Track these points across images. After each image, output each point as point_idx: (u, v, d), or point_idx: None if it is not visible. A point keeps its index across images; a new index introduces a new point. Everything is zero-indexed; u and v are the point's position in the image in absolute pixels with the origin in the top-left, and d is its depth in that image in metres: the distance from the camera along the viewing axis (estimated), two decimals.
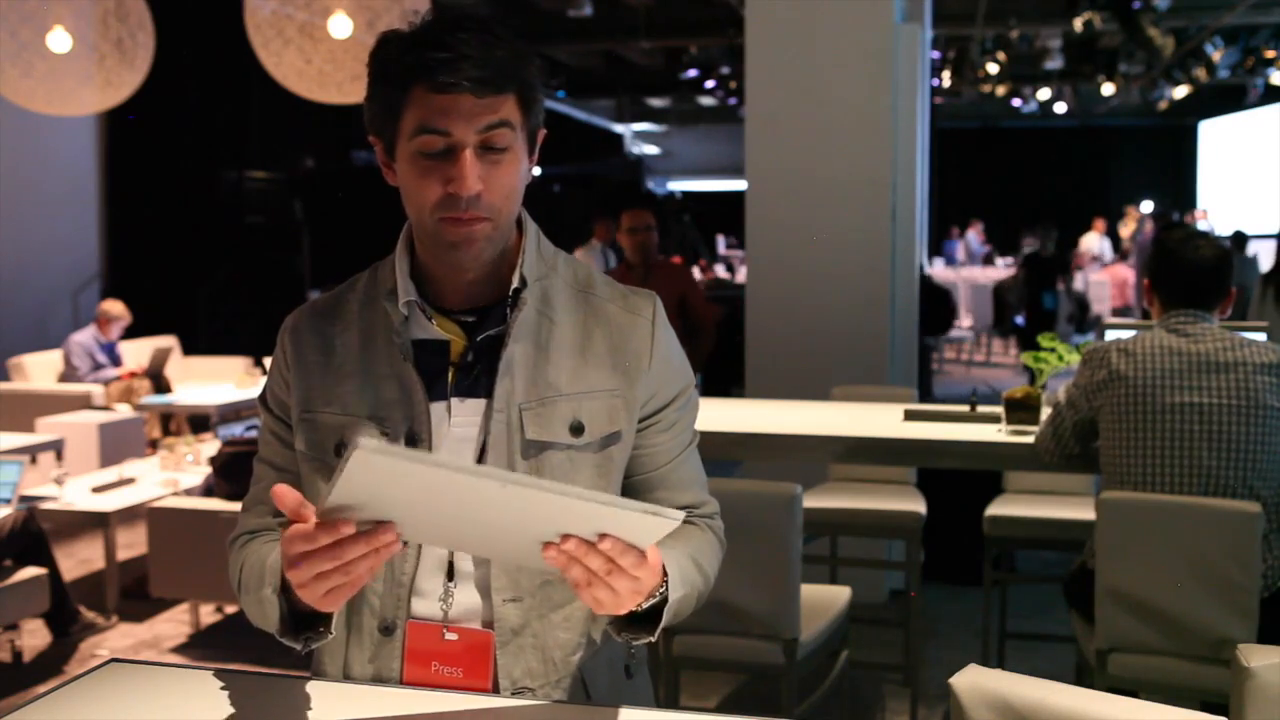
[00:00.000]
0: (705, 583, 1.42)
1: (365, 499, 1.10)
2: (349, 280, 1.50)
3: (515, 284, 1.39)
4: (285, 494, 1.17)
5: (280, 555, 1.26)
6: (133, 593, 4.91)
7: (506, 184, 1.34)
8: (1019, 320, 11.03)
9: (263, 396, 1.49)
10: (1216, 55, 13.25)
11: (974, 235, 18.50)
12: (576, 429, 1.39)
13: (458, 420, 1.38)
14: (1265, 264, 10.42)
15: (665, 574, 1.28)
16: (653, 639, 1.30)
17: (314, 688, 1.36)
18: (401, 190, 1.36)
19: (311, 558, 1.15)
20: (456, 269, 1.38)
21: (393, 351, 1.40)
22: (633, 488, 1.48)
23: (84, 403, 7.23)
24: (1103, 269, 14.05)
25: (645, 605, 1.26)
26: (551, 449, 1.38)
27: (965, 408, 3.57)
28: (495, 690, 1.37)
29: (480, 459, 1.37)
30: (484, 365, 1.39)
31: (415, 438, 1.37)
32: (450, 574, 1.38)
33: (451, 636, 1.37)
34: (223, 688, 1.35)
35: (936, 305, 8.52)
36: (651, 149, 23.22)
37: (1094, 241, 15.72)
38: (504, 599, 1.37)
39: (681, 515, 1.12)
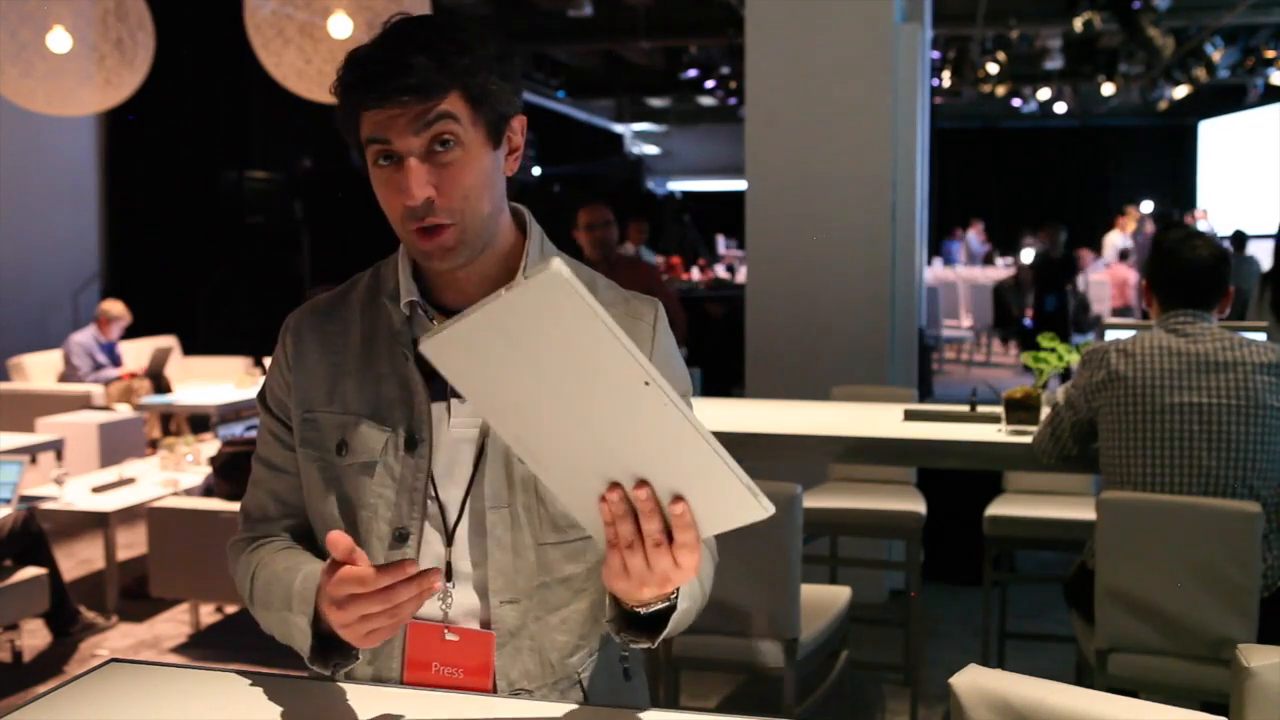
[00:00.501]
0: (704, 597, 1.42)
1: (488, 348, 1.01)
2: (350, 280, 1.50)
3: None
4: (339, 540, 1.19)
5: (308, 580, 1.28)
6: (133, 593, 4.91)
7: (462, 184, 1.31)
8: (1028, 323, 10.88)
9: (262, 396, 1.49)
10: (1216, 55, 13.25)
11: (974, 235, 18.50)
12: None
13: (457, 421, 1.38)
14: (1265, 264, 10.41)
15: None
16: (652, 645, 1.28)
17: (314, 687, 1.36)
18: None
19: (361, 600, 1.17)
20: (442, 274, 1.38)
21: (394, 351, 1.40)
22: None
23: (84, 403, 7.23)
24: (1104, 269, 14.04)
25: (652, 608, 1.23)
26: None
27: (965, 408, 3.57)
28: (494, 691, 1.37)
29: (478, 462, 1.37)
30: None
31: (416, 438, 1.37)
32: (449, 574, 1.38)
33: (452, 637, 1.37)
34: (223, 688, 1.35)
35: None
36: (651, 149, 23.22)
37: (1118, 239, 15.68)
38: (501, 600, 1.37)
39: (773, 509, 1.04)
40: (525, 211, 1.45)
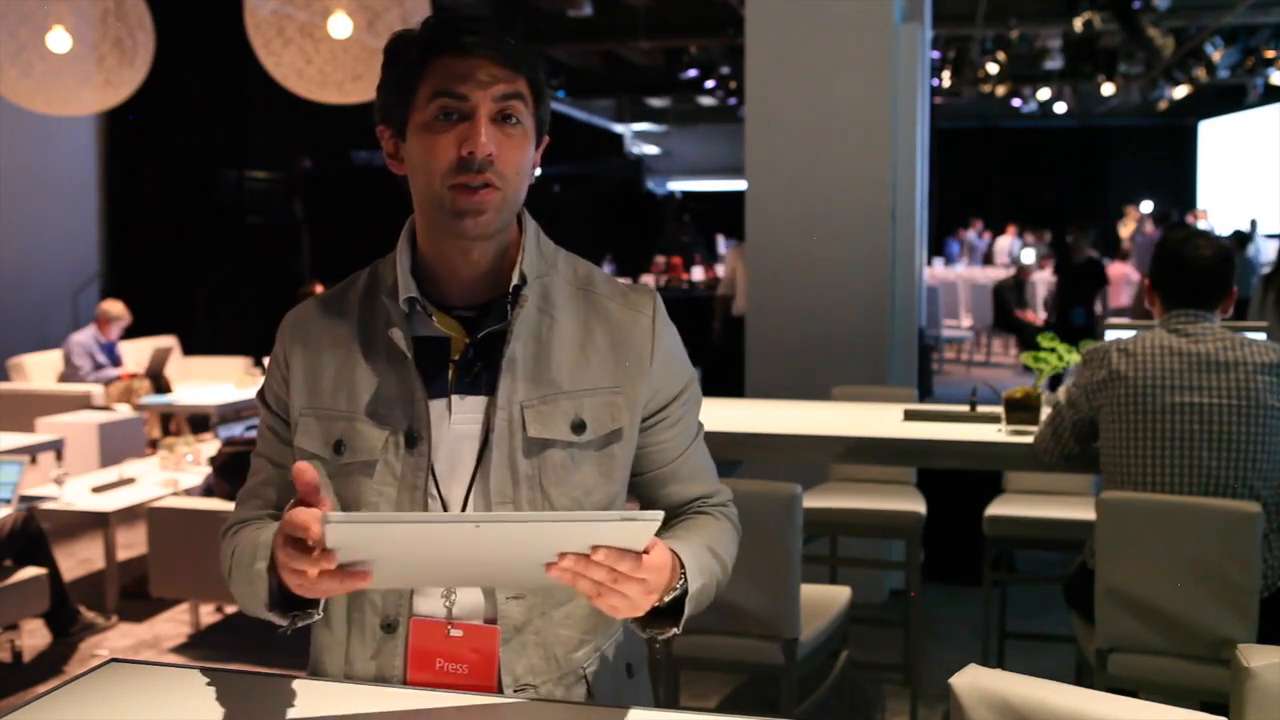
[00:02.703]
0: (724, 570, 1.44)
1: (363, 558, 1.15)
2: (349, 278, 1.50)
3: (515, 281, 1.39)
4: (304, 471, 1.19)
5: (273, 537, 1.26)
6: (133, 593, 4.91)
7: (517, 157, 1.35)
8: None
9: (261, 393, 1.49)
10: (1216, 55, 13.25)
11: (972, 234, 18.51)
12: (578, 426, 1.39)
13: (458, 417, 1.38)
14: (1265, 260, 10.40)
15: (684, 567, 1.30)
16: (678, 630, 1.32)
17: (314, 687, 1.36)
18: (410, 167, 1.38)
19: (303, 585, 1.19)
20: (462, 241, 1.37)
21: (393, 348, 1.39)
22: (644, 484, 1.50)
23: (84, 403, 7.23)
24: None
25: (667, 599, 1.28)
26: (553, 447, 1.38)
27: (965, 408, 3.57)
28: (499, 686, 1.38)
29: (482, 456, 1.38)
30: (485, 362, 1.39)
31: (415, 435, 1.37)
32: None
33: (456, 633, 1.38)
34: (223, 688, 1.35)
35: None
36: (651, 149, 23.23)
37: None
38: (507, 596, 1.38)
39: (660, 515, 1.13)
40: (521, 207, 1.46)
